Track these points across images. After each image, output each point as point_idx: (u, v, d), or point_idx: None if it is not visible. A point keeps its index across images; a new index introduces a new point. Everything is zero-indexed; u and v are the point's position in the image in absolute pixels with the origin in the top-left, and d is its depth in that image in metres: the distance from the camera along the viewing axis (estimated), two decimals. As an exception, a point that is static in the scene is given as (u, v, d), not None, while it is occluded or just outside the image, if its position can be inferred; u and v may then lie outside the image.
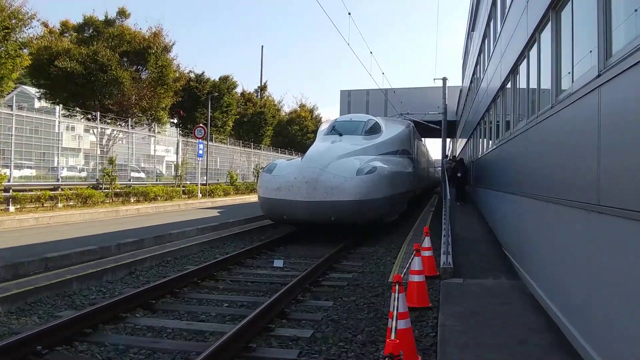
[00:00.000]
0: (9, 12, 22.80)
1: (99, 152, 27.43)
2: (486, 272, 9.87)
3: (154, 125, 33.21)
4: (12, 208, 18.82)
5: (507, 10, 13.30)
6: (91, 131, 30.47)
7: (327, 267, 11.87)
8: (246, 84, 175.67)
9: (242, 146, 45.62)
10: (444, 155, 39.77)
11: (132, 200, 24.71)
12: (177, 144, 33.24)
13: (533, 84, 9.25)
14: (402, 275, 5.93)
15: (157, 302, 8.81)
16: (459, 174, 25.83)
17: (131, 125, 29.40)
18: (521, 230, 9.82)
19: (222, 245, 15.04)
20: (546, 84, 7.98)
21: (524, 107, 10.19)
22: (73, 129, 32.86)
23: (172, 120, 42.76)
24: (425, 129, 44.29)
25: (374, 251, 14.42)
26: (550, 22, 7.73)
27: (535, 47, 9.05)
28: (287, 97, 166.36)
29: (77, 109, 30.17)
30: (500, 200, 13.79)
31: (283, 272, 11.60)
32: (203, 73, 43.26)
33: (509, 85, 12.77)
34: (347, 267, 12.35)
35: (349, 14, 23.52)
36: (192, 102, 41.57)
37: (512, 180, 11.33)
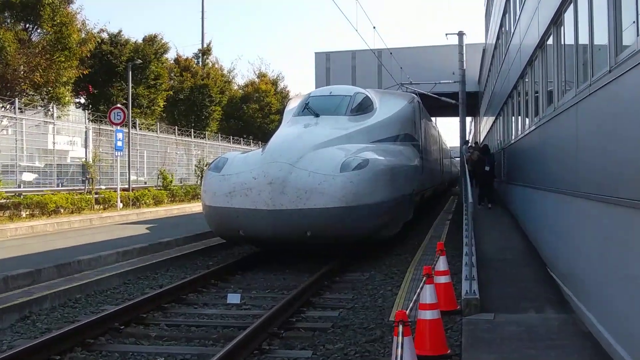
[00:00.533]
0: None
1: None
2: (526, 304, 9.91)
3: (52, 108, 32.85)
4: None
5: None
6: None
7: (303, 303, 11.86)
8: (182, 46, 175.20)
9: (179, 134, 45.47)
10: (464, 141, 39.95)
11: (23, 214, 24.48)
12: (86, 133, 32.99)
13: (584, 39, 9.32)
14: (407, 312, 5.93)
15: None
16: (487, 167, 25.96)
17: (19, 108, 29.06)
18: (574, 243, 9.88)
19: (154, 276, 14.96)
20: (602, 38, 8.04)
21: (572, 71, 10.26)
22: None
23: (77, 100, 42.41)
24: (437, 105, 44.49)
25: (368, 278, 14.44)
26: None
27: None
28: (240, 64, 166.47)
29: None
30: (542, 202, 13.88)
31: (241, 311, 11.55)
32: (120, 32, 43.06)
33: (550, 41, 12.85)
34: (331, 301, 12.33)
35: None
36: (106, 73, 41.30)
37: (558, 173, 11.41)
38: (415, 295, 7.19)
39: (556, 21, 11.84)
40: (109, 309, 11.01)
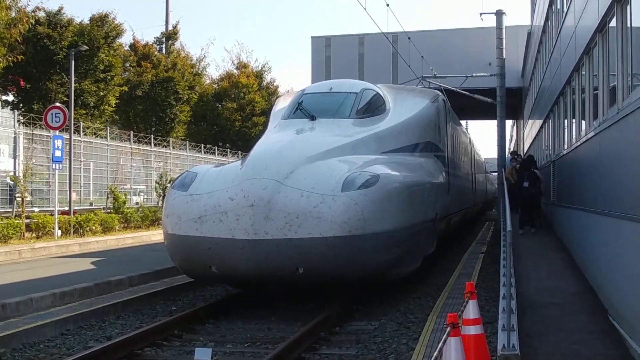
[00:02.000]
0: None
1: None
2: (581, 363, 9.90)
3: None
4: None
5: None
6: None
7: (292, 360, 11.82)
8: (140, 28, 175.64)
9: (136, 141, 45.51)
10: (503, 152, 39.96)
11: None
12: (15, 139, 33.02)
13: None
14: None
15: None
16: (525, 183, 26.05)
17: None
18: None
19: (100, 325, 14.92)
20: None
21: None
22: None
23: (4, 97, 42.46)
24: (468, 105, 44.60)
25: (377, 328, 14.41)
26: None
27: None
28: (213, 51, 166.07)
29: None
30: (604, 230, 13.86)
31: (212, 372, 11.52)
32: (60, 11, 43.12)
33: (613, 24, 12.88)
34: (329, 358, 12.30)
35: None
36: (42, 63, 41.34)
37: (622, 193, 11.40)
38: (437, 352, 7.16)
39: (620, -2, 11.89)
40: (41, 368, 10.98)
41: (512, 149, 46.87)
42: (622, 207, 11.47)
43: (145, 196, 45.53)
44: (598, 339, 11.22)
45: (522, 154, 44.12)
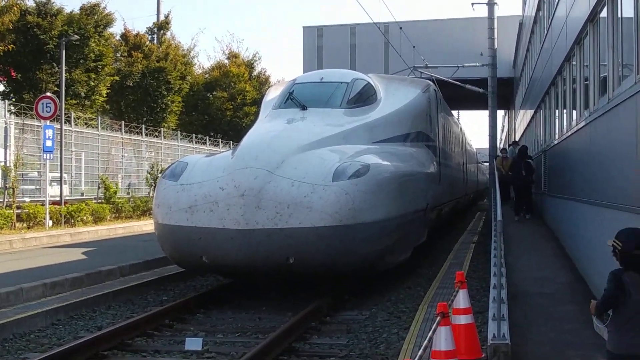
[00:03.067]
0: None
1: None
2: (571, 351, 9.92)
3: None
4: None
5: None
6: None
7: (283, 350, 11.84)
8: (131, 18, 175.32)
9: (127, 131, 45.42)
10: (494, 141, 39.96)
11: None
12: (6, 129, 32.96)
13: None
14: (416, 361, 5.92)
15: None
16: (523, 172, 26.87)
17: None
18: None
19: (91, 314, 14.92)
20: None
21: (631, 51, 10.28)
22: None
23: (-6, 88, 42.38)
24: (460, 95, 44.60)
25: (368, 318, 14.45)
26: None
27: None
28: (203, 41, 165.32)
29: None
30: (595, 220, 13.88)
31: (202, 361, 11.53)
32: (50, 0, 42.95)
33: (603, 14, 12.88)
34: (319, 347, 12.32)
35: None
36: (33, 53, 41.19)
37: (612, 183, 11.41)
38: (427, 340, 7.17)
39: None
40: (32, 358, 10.99)
41: (517, 142, 46.87)
42: (612, 196, 11.49)
43: (136, 186, 45.38)
44: (588, 329, 11.17)
45: (515, 141, 44.13)
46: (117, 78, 49.87)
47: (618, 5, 11.52)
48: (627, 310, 6.51)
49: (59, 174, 34.04)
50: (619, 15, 11.51)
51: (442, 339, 8.06)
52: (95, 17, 44.87)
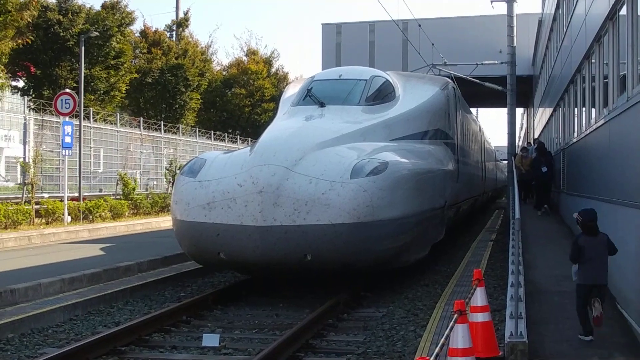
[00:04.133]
0: None
1: None
2: (588, 350, 9.88)
3: (-20, 92, 33.01)
4: None
5: None
6: None
7: (300, 346, 11.84)
8: (150, 15, 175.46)
9: (145, 128, 45.50)
10: (513, 139, 39.87)
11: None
12: (25, 125, 33.04)
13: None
14: (432, 359, 5.90)
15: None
16: (543, 168, 27.01)
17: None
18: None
19: (109, 310, 14.97)
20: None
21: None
22: None
23: (14, 83, 42.41)
24: (479, 93, 44.53)
25: (385, 315, 14.44)
26: None
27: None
28: (220, 37, 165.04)
29: None
30: (613, 218, 13.84)
31: (220, 357, 11.54)
32: (71, -4, 43.06)
33: (623, 11, 12.83)
34: (336, 344, 12.30)
35: None
36: (52, 49, 41.29)
37: (635, 182, 11.36)
38: (443, 338, 7.16)
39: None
40: (50, 353, 10.98)
41: (536, 138, 46.86)
42: (631, 195, 11.45)
43: (155, 182, 45.43)
44: (606, 327, 11.19)
45: (536, 139, 44.07)
46: (136, 75, 49.92)
47: (638, 3, 11.47)
48: (584, 258, 10.58)
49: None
50: (639, 13, 11.47)
51: (459, 337, 8.04)
52: (116, 14, 44.90)
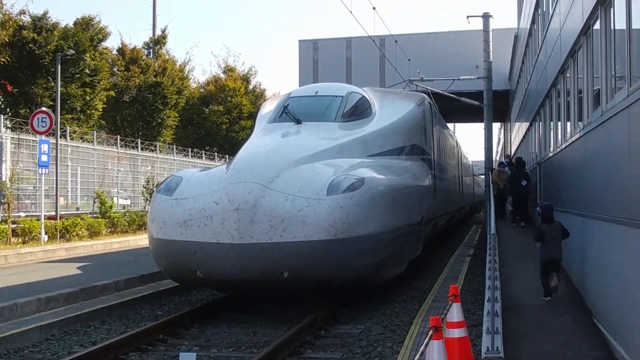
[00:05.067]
0: None
1: None
2: (565, 365, 9.90)
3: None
4: None
5: None
6: None
7: (277, 364, 11.80)
8: (128, 32, 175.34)
9: (123, 146, 45.38)
10: (490, 154, 39.99)
11: None
12: (1, 144, 32.90)
13: (639, 22, 9.35)
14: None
15: None
16: (523, 182, 27.04)
17: None
18: (630, 287, 9.87)
19: (85, 330, 14.89)
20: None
21: (624, 63, 10.29)
22: None
23: (-11, 102, 42.27)
24: (455, 108, 44.69)
25: (363, 332, 14.42)
26: None
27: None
28: (198, 55, 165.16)
29: None
30: (589, 232, 13.90)
31: (197, 376, 11.51)
32: (46, 14, 42.85)
33: (597, 26, 12.90)
34: (314, 362, 12.27)
35: None
36: (28, 67, 41.14)
37: (605, 196, 11.40)
38: (418, 355, 7.15)
39: (604, 1, 11.89)
40: (25, 374, 10.96)
41: (509, 155, 47.24)
42: (606, 210, 11.49)
43: (132, 201, 45.30)
44: (583, 341, 11.23)
45: (510, 156, 44.23)
46: (112, 93, 49.80)
47: (611, 18, 11.54)
48: (544, 239, 14.03)
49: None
50: (612, 28, 11.53)
51: (435, 353, 8.03)
52: (91, 30, 44.88)
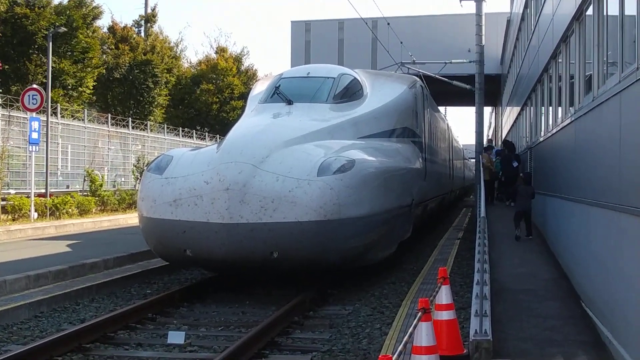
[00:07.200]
0: None
1: None
2: (552, 348, 9.91)
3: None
4: None
5: None
6: None
7: (265, 344, 11.83)
8: (119, 10, 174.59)
9: (113, 124, 45.27)
10: (480, 138, 39.97)
11: None
12: (-8, 121, 32.82)
13: (631, 9, 9.34)
14: (395, 357, 5.91)
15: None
16: (514, 163, 28.16)
17: None
18: (618, 272, 9.89)
19: (74, 307, 14.89)
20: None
21: (616, 49, 10.29)
22: None
23: (-19, 79, 42.16)
24: (447, 91, 44.66)
25: (351, 313, 14.44)
26: None
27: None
28: (190, 35, 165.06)
29: None
30: (578, 217, 13.91)
31: (185, 354, 11.54)
32: (39, -9, 42.82)
33: (590, 12, 12.89)
34: (302, 342, 12.31)
35: None
36: (20, 44, 41.03)
37: (598, 181, 11.42)
38: (407, 336, 7.16)
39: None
40: (14, 350, 10.93)
41: (491, 144, 47.33)
42: (594, 194, 11.52)
43: (122, 179, 45.22)
44: (570, 325, 11.26)
45: (506, 140, 44.27)
46: (103, 71, 49.70)
47: (604, 3, 11.52)
48: (518, 196, 20.78)
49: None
50: (605, 13, 11.52)
51: (423, 335, 8.06)
52: (83, 8, 44.78)
